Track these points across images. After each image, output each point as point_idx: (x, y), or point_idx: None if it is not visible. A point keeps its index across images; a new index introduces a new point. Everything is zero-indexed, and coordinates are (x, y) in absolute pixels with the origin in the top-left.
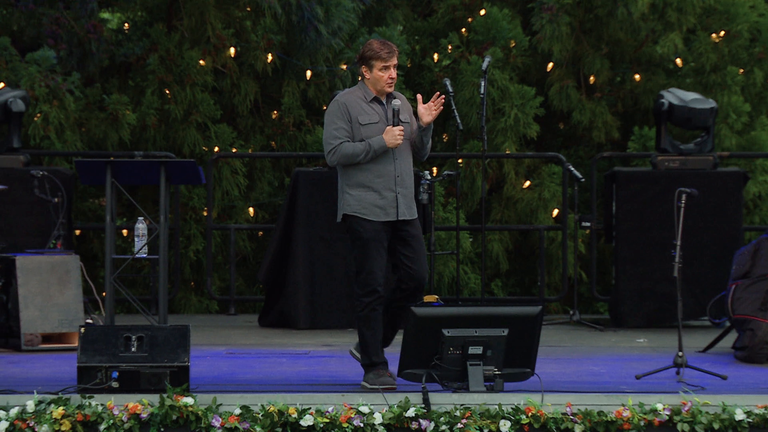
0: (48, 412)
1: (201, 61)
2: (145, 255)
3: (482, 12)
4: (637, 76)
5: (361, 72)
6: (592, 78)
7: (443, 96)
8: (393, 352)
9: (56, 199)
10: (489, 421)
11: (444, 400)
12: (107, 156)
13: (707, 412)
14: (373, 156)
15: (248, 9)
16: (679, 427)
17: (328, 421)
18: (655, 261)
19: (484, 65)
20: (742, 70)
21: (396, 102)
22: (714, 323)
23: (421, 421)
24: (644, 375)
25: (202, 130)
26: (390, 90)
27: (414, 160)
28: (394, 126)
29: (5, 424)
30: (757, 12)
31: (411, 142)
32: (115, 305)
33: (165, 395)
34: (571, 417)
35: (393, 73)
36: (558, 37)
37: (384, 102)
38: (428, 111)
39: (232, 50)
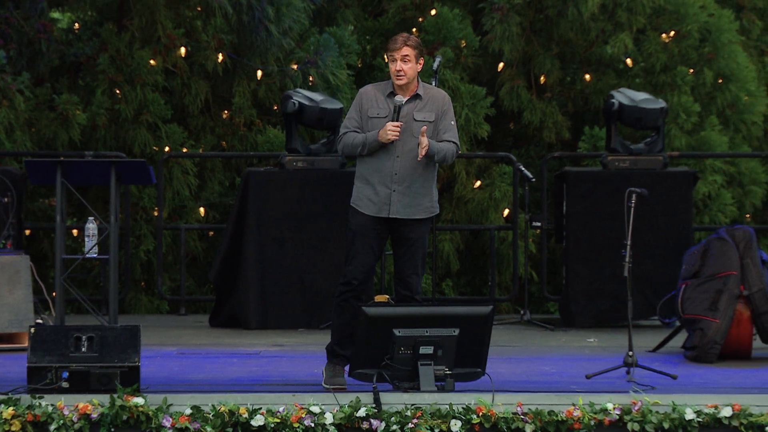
0: None
1: (151, 61)
2: (95, 255)
3: (433, 12)
4: (587, 76)
5: None
6: (542, 78)
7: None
8: None
9: (6, 199)
10: (440, 420)
11: (395, 400)
12: (57, 156)
13: (657, 412)
14: (370, 149)
15: (199, 9)
16: (629, 426)
17: (278, 421)
18: (606, 261)
19: (435, 65)
20: (692, 70)
21: (399, 98)
22: (664, 323)
23: (372, 420)
24: (594, 375)
25: (153, 130)
26: (399, 83)
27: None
28: (394, 121)
29: None
30: (707, 12)
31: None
32: (66, 305)
33: (115, 395)
34: (522, 416)
35: (399, 65)
36: (508, 37)
37: (403, 99)
38: (421, 148)
39: (182, 50)
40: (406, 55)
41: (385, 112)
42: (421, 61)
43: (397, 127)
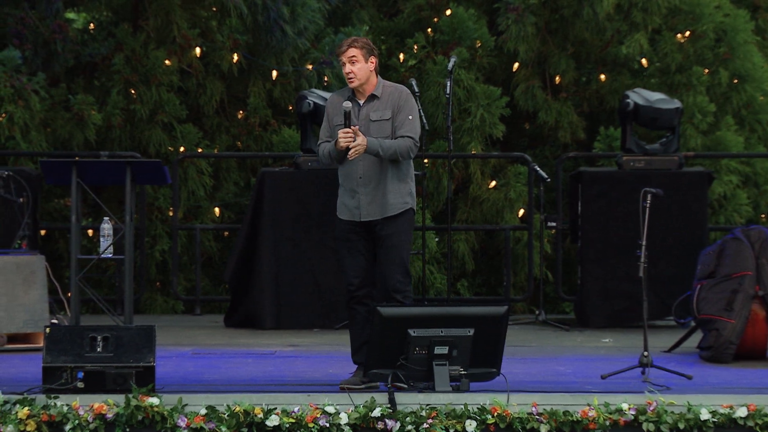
0: (13, 412)
1: (167, 61)
2: (110, 255)
3: (448, 12)
4: (602, 77)
5: None
6: (557, 78)
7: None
8: None
9: (21, 200)
10: (455, 421)
11: (410, 400)
12: (72, 156)
13: (672, 412)
14: (337, 158)
15: (214, 9)
16: (644, 426)
17: (293, 421)
18: (621, 261)
19: (450, 65)
20: (707, 71)
21: (346, 104)
22: (679, 323)
23: (386, 421)
24: (610, 375)
25: (168, 130)
26: (352, 85)
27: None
28: (346, 127)
29: None
30: (722, 12)
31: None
32: (81, 305)
33: (130, 395)
34: (537, 417)
35: (348, 67)
36: (524, 37)
37: (360, 102)
38: (351, 148)
39: (197, 50)
40: (353, 56)
41: (342, 118)
42: (372, 60)
43: (348, 133)
